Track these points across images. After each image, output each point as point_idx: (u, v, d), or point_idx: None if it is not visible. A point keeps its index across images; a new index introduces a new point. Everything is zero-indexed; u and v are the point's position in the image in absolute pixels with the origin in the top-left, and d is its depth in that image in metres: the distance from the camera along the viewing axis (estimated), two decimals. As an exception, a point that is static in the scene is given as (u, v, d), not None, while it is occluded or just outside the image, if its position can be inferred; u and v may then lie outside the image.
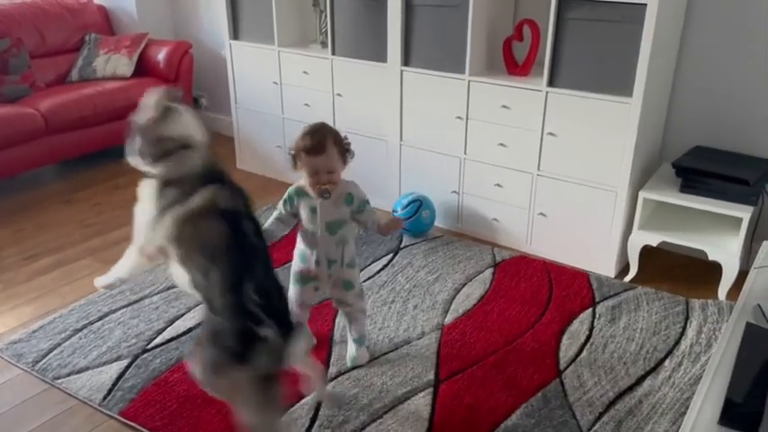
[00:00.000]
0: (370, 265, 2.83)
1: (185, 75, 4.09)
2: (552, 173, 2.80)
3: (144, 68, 4.06)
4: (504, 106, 2.83)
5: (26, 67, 3.73)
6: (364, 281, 2.69)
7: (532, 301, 2.58)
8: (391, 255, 2.92)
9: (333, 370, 2.17)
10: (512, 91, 2.80)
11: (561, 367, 2.20)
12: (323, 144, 1.95)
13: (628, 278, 2.74)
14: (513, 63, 2.91)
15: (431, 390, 2.09)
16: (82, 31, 4.16)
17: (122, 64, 3.99)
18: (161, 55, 4.03)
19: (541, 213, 2.89)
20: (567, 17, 2.57)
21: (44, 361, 2.20)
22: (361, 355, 2.21)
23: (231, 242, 1.63)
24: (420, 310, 2.51)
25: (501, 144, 2.90)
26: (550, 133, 2.75)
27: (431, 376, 2.15)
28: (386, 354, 2.26)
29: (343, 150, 2.01)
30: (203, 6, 4.32)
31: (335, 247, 2.06)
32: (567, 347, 2.30)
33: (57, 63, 3.98)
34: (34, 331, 2.35)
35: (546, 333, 2.38)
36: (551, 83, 2.68)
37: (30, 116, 3.42)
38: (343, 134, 2.04)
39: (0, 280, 2.70)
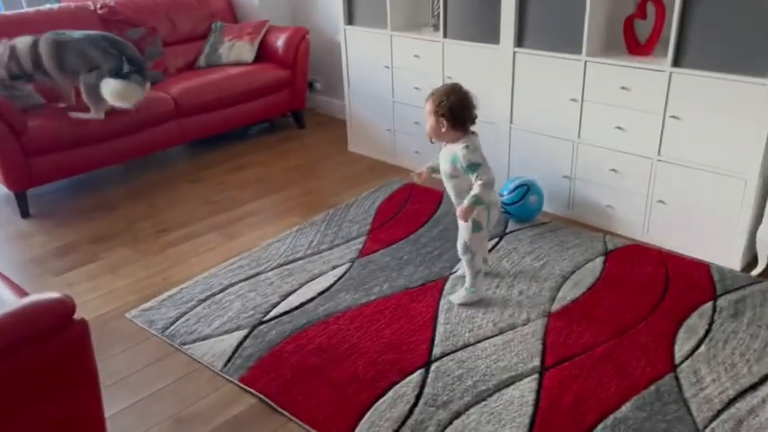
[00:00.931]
0: (476, 248, 2.83)
1: (302, 60, 4.24)
2: (674, 158, 2.65)
3: (264, 54, 4.25)
4: (624, 87, 2.71)
5: (160, 54, 4.02)
6: (471, 264, 2.70)
7: (646, 292, 2.47)
8: (496, 240, 2.90)
9: (437, 350, 2.20)
10: (632, 71, 2.67)
11: (677, 361, 2.10)
12: (427, 100, 2.29)
13: (755, 272, 2.55)
14: (635, 42, 2.77)
15: (536, 376, 2.07)
16: (209, 19, 4.41)
17: (245, 50, 4.20)
18: (280, 41, 4.19)
19: (660, 201, 2.75)
20: (695, -8, 2.40)
21: (172, 328, 2.40)
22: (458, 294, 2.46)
23: None
24: (525, 296, 2.48)
25: (618, 127, 2.78)
26: (674, 116, 2.60)
27: (536, 362, 2.13)
28: (490, 338, 2.26)
29: (435, 111, 2.24)
30: (319, -8, 4.45)
31: (452, 191, 2.38)
32: (684, 341, 2.19)
33: (186, 50, 4.26)
34: (164, 300, 2.57)
35: (660, 325, 2.28)
36: (676, 63, 2.53)
37: (162, 100, 3.69)
38: (459, 100, 2.25)
39: (137, 250, 2.97)
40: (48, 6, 3.89)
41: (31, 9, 3.81)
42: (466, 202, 2.23)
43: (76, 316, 1.46)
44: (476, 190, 2.21)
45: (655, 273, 2.60)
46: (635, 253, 2.75)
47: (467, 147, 2.22)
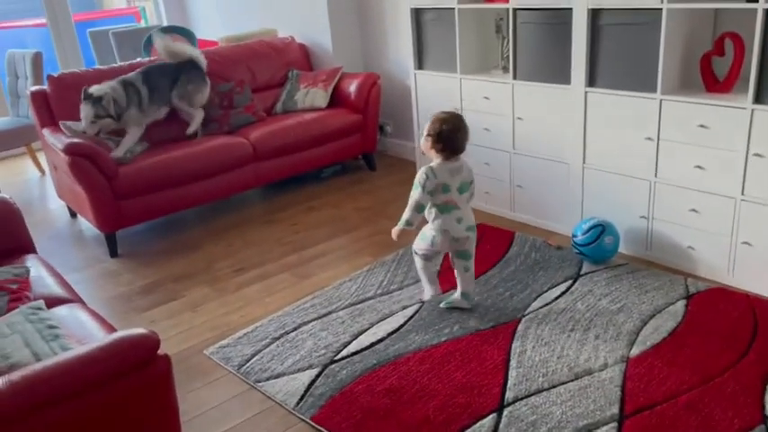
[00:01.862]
0: (546, 291, 2.78)
1: (373, 104, 4.35)
2: (760, 198, 2.54)
3: (337, 99, 4.40)
4: (702, 125, 2.64)
5: (249, 100, 4.26)
6: (540, 307, 2.65)
7: (732, 338, 2.35)
8: (570, 281, 2.84)
9: (510, 395, 2.16)
10: (711, 109, 2.60)
11: (767, 413, 1.98)
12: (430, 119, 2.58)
13: None
14: (713, 79, 2.70)
15: (615, 424, 1.99)
16: (286, 67, 4.62)
17: (319, 96, 4.36)
18: (352, 87, 4.33)
19: (746, 242, 2.63)
20: (776, 27, 2.33)
21: (248, 365, 2.46)
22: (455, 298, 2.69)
23: None
24: (602, 341, 2.41)
25: (697, 166, 2.70)
26: (757, 154, 2.50)
27: (615, 410, 2.05)
28: (565, 383, 2.20)
29: (429, 132, 2.54)
30: (391, 40, 4.58)
31: None
32: (776, 393, 2.06)
33: (264, 97, 4.46)
34: (240, 337, 2.64)
35: (749, 374, 2.15)
36: (758, 99, 2.45)
37: (242, 145, 3.87)
38: (450, 130, 2.51)
39: (214, 289, 3.08)
40: (138, 60, 4.18)
41: (124, 63, 4.11)
42: (400, 224, 2.58)
43: (160, 351, 1.53)
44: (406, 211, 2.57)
45: (741, 318, 2.47)
46: (719, 297, 2.62)
47: (424, 170, 2.53)
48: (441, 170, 2.51)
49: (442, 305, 2.71)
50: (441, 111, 2.59)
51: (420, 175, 2.52)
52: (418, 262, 2.68)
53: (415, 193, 2.53)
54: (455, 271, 2.66)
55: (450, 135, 2.49)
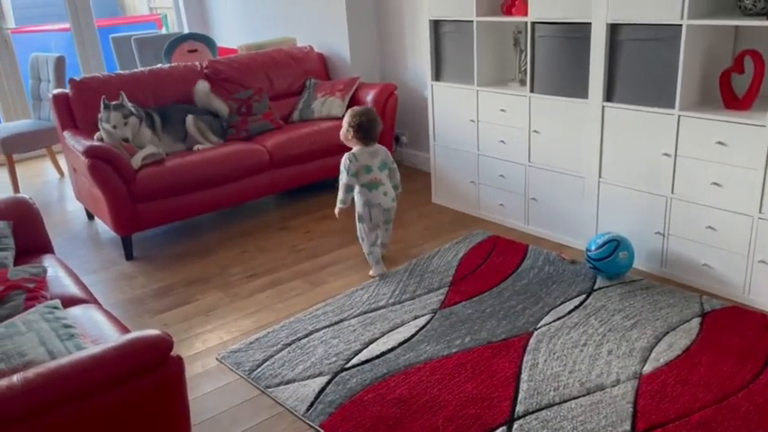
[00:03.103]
0: (559, 305, 2.76)
1: (390, 114, 4.37)
2: (777, 216, 2.52)
3: (353, 109, 4.42)
4: (720, 142, 2.62)
5: (267, 108, 4.30)
6: (553, 321, 2.64)
7: (748, 358, 2.32)
8: (583, 296, 2.82)
9: (520, 408, 2.15)
10: (729, 126, 2.58)
11: (783, 436, 1.95)
12: (347, 113, 3.09)
13: None
14: (732, 96, 2.69)
15: (625, 441, 1.97)
16: (304, 76, 4.66)
17: (336, 105, 4.39)
18: (369, 96, 4.35)
19: (763, 261, 2.60)
20: (797, 45, 2.32)
21: (258, 370, 2.47)
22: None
23: None
24: (615, 356, 2.39)
25: (715, 183, 2.68)
26: (775, 172, 2.48)
27: (626, 427, 2.03)
28: (576, 398, 2.18)
29: (350, 123, 3.03)
30: (409, 51, 4.60)
31: None
32: (792, 414, 2.03)
33: (282, 105, 4.49)
34: (251, 343, 2.65)
35: (764, 394, 2.12)
36: (777, 117, 2.43)
37: (258, 152, 3.90)
38: (367, 121, 3.02)
39: (227, 294, 3.10)
40: (159, 66, 4.24)
41: (145, 69, 4.16)
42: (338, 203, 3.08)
43: (173, 353, 1.54)
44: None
45: (757, 337, 2.44)
46: (735, 315, 2.60)
47: (347, 155, 3.01)
48: (361, 154, 3.02)
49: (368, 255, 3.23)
50: (355, 107, 3.15)
51: (344, 161, 3.02)
52: (364, 236, 3.14)
53: (343, 177, 3.03)
54: (372, 239, 3.17)
55: (367, 125, 3.00)
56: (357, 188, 3.06)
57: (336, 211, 3.09)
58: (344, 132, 3.06)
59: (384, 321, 2.73)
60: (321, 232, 3.75)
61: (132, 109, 3.66)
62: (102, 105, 3.60)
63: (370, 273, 3.17)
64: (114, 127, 3.56)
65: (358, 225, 3.15)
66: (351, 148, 3.08)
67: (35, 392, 1.35)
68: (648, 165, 2.90)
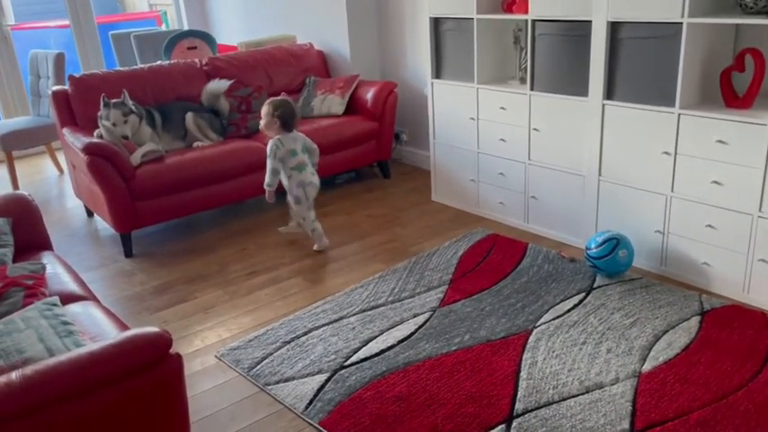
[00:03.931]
0: (559, 303, 2.76)
1: (389, 112, 4.36)
2: (777, 215, 2.51)
3: (354, 106, 4.42)
4: (720, 141, 2.62)
5: None
6: (552, 319, 2.64)
7: (747, 356, 2.32)
8: (583, 294, 2.82)
9: (519, 406, 2.15)
10: (730, 125, 2.58)
11: (782, 435, 1.95)
12: (267, 104, 3.35)
13: None
14: (733, 95, 2.68)
15: (624, 440, 1.97)
16: (304, 74, 4.65)
17: (336, 103, 4.38)
18: (369, 94, 4.35)
19: (763, 260, 2.60)
20: (798, 44, 2.32)
21: (257, 368, 2.46)
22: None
23: None
24: (614, 355, 2.39)
25: (715, 182, 2.68)
26: (775, 171, 2.48)
27: (625, 425, 2.03)
28: (575, 396, 2.18)
29: (272, 114, 3.30)
30: (409, 49, 4.60)
31: None
32: (791, 413, 2.03)
33: (281, 103, 4.48)
34: (250, 340, 2.65)
35: (763, 393, 2.12)
36: (777, 116, 2.43)
37: (258, 149, 3.89)
38: (287, 111, 3.31)
39: (226, 292, 3.10)
40: (159, 63, 4.23)
41: (145, 66, 4.16)
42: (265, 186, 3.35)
43: (172, 350, 1.54)
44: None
45: (756, 336, 2.44)
46: (734, 314, 2.60)
47: (273, 141, 3.28)
48: (286, 140, 3.29)
49: (280, 230, 3.66)
50: (272, 98, 3.38)
51: (271, 146, 3.27)
52: (305, 215, 3.40)
53: (270, 161, 3.28)
54: (312, 215, 3.44)
55: (286, 115, 3.28)
56: (286, 173, 3.32)
57: (267, 195, 3.36)
58: (266, 122, 3.31)
59: (383, 319, 2.72)
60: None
61: (132, 107, 3.66)
62: (102, 103, 3.59)
63: (315, 248, 3.44)
64: (114, 125, 3.55)
65: (296, 208, 3.40)
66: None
67: (33, 390, 1.35)
68: (648, 163, 2.89)
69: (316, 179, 3.39)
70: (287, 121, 3.29)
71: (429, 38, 3.75)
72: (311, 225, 3.42)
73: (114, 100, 3.61)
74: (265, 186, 3.33)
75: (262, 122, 3.35)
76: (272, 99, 3.37)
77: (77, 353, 1.44)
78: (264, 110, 3.31)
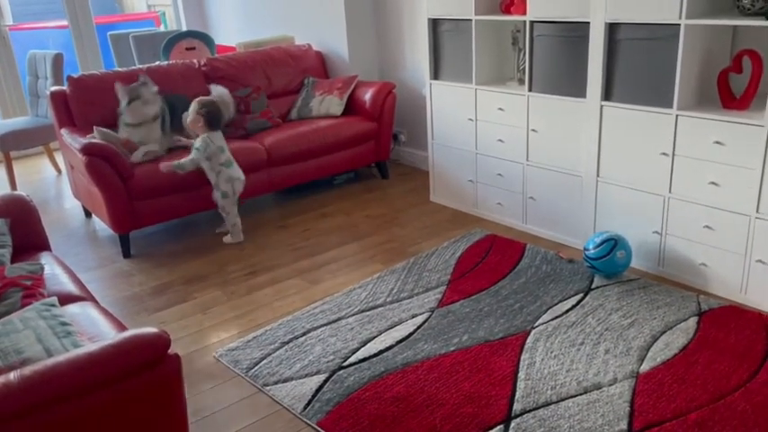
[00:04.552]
0: (557, 304, 2.77)
1: (388, 113, 4.37)
2: (774, 216, 2.52)
3: (352, 107, 4.42)
4: (718, 142, 2.63)
5: (265, 106, 4.31)
6: (550, 320, 2.64)
7: (745, 357, 2.32)
8: (581, 295, 2.83)
9: (518, 407, 2.15)
10: (727, 126, 2.59)
11: (779, 435, 1.95)
12: (196, 102, 3.51)
13: None
14: (730, 96, 2.69)
15: (622, 440, 1.98)
16: (302, 74, 4.65)
17: (334, 104, 4.39)
18: (367, 95, 4.35)
19: (760, 261, 2.61)
20: (795, 45, 2.33)
21: (256, 368, 2.46)
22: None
23: None
24: (612, 355, 2.39)
25: (712, 183, 2.68)
26: (773, 172, 2.48)
27: (623, 426, 2.03)
28: (573, 397, 2.18)
29: (199, 112, 3.44)
30: (408, 50, 4.60)
31: None
32: (788, 413, 2.04)
33: (280, 103, 4.49)
34: (249, 341, 2.65)
35: (761, 393, 2.13)
36: (775, 117, 2.44)
37: (256, 150, 3.89)
38: (213, 111, 3.47)
39: (225, 292, 3.10)
40: (157, 64, 4.23)
41: (143, 66, 4.16)
42: (173, 163, 3.41)
43: (170, 351, 1.54)
44: (183, 159, 3.41)
45: (754, 336, 2.44)
46: (732, 314, 2.60)
47: (203, 138, 3.42)
48: (214, 138, 3.44)
49: (219, 231, 3.74)
50: (201, 97, 3.51)
51: (200, 143, 3.41)
52: (229, 210, 3.54)
53: (195, 154, 3.41)
54: (235, 210, 3.59)
55: (210, 115, 3.42)
56: (215, 169, 3.45)
57: (168, 168, 3.42)
58: (192, 120, 3.44)
59: (382, 320, 2.73)
60: (319, 231, 3.75)
61: (159, 109, 3.75)
62: (127, 96, 3.66)
63: (227, 240, 3.62)
64: (130, 125, 3.61)
65: (222, 202, 3.53)
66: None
67: (32, 390, 1.35)
68: (646, 164, 2.90)
69: (242, 175, 3.55)
70: (211, 120, 3.43)
71: (427, 39, 3.75)
72: (233, 219, 3.58)
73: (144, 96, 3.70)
74: (175, 167, 3.40)
75: (189, 118, 3.48)
76: (200, 98, 3.50)
77: (76, 353, 1.44)
78: (192, 107, 3.45)
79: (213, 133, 3.45)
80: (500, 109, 3.49)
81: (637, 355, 2.38)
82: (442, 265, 3.17)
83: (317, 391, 2.29)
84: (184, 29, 6.07)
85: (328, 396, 2.26)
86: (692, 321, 2.57)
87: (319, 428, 2.12)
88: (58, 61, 4.74)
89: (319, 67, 4.79)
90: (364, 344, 2.56)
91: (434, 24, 3.72)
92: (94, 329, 1.88)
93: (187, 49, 4.96)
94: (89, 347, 1.47)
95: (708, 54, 2.77)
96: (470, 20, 3.47)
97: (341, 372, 2.39)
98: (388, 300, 2.89)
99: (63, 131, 3.76)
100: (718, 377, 2.23)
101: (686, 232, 2.83)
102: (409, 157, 4.85)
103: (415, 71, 4.57)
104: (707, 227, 2.75)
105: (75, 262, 3.50)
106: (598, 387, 2.22)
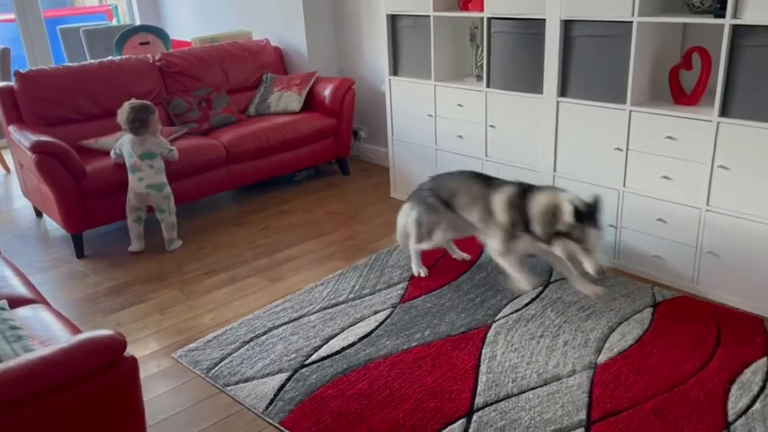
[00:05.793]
0: (517, 297, 2.80)
1: (347, 109, 4.35)
2: (724, 209, 2.60)
3: (312, 103, 4.39)
4: (670, 137, 2.70)
5: (227, 103, 4.27)
6: (511, 313, 2.68)
7: (697, 346, 2.40)
8: (540, 288, 2.87)
9: (479, 400, 2.17)
10: (678, 121, 2.66)
11: (730, 419, 2.02)
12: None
13: (814, 328, 2.45)
14: (681, 92, 2.76)
15: (582, 430, 2.01)
16: (260, 70, 4.59)
17: (293, 100, 4.35)
18: (327, 91, 4.33)
19: (711, 252, 2.69)
20: (742, 44, 2.40)
21: (216, 368, 2.43)
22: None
23: None
24: (571, 347, 2.44)
25: (665, 177, 2.76)
26: (722, 166, 2.56)
27: (582, 416, 2.07)
28: (534, 389, 2.22)
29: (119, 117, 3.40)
30: (367, 46, 4.59)
31: None
32: (737, 398, 2.11)
33: (238, 100, 4.42)
34: (209, 341, 2.61)
35: (712, 381, 2.20)
36: (724, 113, 2.51)
37: (214, 147, 3.83)
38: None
39: (183, 292, 3.04)
40: (110, 59, 4.12)
41: (95, 61, 4.04)
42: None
43: (127, 353, 1.50)
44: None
45: (706, 326, 2.52)
46: (685, 305, 2.68)
47: (125, 137, 3.38)
48: (126, 141, 3.36)
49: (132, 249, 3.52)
50: (133, 99, 3.42)
51: (118, 141, 3.43)
52: (127, 213, 3.44)
53: (112, 152, 3.46)
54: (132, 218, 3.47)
55: (128, 120, 3.30)
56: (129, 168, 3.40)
57: (88, 144, 3.63)
58: (118, 119, 3.40)
59: (344, 317, 2.72)
60: (279, 228, 3.71)
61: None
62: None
63: (129, 249, 3.50)
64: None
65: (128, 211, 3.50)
66: None
67: (-20, 397, 1.29)
68: (601, 159, 2.96)
69: (140, 186, 3.34)
70: (130, 124, 3.31)
71: (386, 35, 3.75)
72: (130, 223, 3.49)
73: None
74: (103, 146, 3.58)
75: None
76: (132, 100, 3.41)
77: (27, 358, 1.39)
78: (121, 108, 3.39)
79: (134, 138, 3.34)
80: (459, 105, 3.51)
81: (594, 347, 2.43)
82: (404, 261, 3.18)
83: (280, 389, 2.27)
84: (138, 23, 5.93)
85: (291, 395, 2.24)
86: (647, 312, 2.64)
87: (282, 428, 2.10)
88: (5, 56, 4.57)
89: (278, 62, 4.74)
90: (326, 341, 2.55)
91: (393, 20, 3.72)
92: (47, 333, 1.82)
93: (141, 44, 4.84)
94: (41, 352, 1.42)
95: (659, 51, 2.84)
96: (429, 16, 3.48)
97: (303, 370, 2.37)
98: (350, 297, 2.88)
99: (11, 128, 3.63)
100: (672, 366, 2.29)
101: (640, 225, 2.91)
102: (370, 154, 4.84)
103: (375, 67, 4.56)
104: (660, 220, 2.82)
105: (26, 263, 3.38)
106: (558, 378, 2.26)
